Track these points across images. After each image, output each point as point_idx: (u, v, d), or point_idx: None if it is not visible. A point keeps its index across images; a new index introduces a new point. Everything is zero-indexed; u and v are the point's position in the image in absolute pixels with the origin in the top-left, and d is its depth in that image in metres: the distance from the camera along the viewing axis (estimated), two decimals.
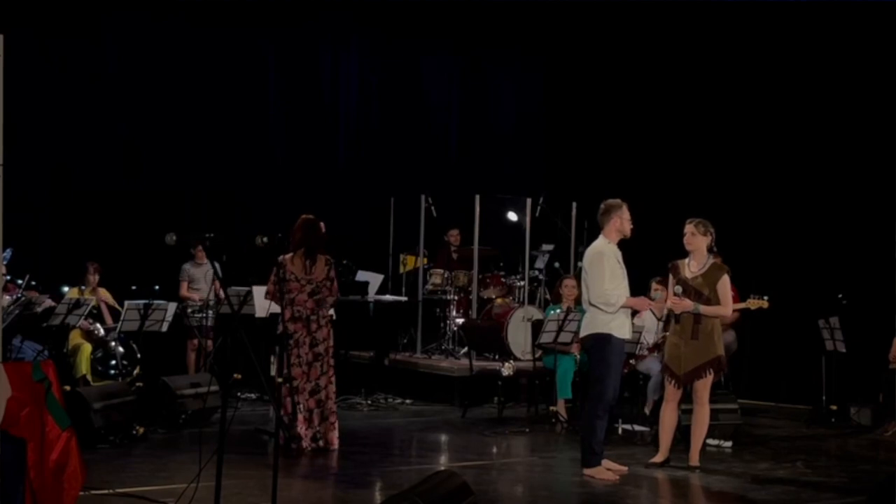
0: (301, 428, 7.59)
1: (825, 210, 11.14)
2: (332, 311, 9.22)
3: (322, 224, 7.84)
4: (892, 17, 10.31)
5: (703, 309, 7.21)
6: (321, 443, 7.66)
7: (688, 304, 7.24)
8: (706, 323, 7.24)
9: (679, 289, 7.31)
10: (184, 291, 10.67)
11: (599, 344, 7.04)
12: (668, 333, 7.63)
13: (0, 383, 4.56)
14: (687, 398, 7.52)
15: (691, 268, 7.38)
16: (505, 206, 12.64)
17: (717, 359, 7.29)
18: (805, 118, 11.36)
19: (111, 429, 7.79)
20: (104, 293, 10.20)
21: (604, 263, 7.02)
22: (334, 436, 7.75)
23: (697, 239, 7.36)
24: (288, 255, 7.65)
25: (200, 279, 10.76)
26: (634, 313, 7.90)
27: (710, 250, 7.41)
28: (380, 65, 13.41)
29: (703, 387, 7.32)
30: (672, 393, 7.42)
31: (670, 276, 7.45)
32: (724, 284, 7.30)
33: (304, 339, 7.67)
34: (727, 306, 7.32)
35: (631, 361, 8.87)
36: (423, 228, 12.01)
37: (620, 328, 7.07)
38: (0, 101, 4.50)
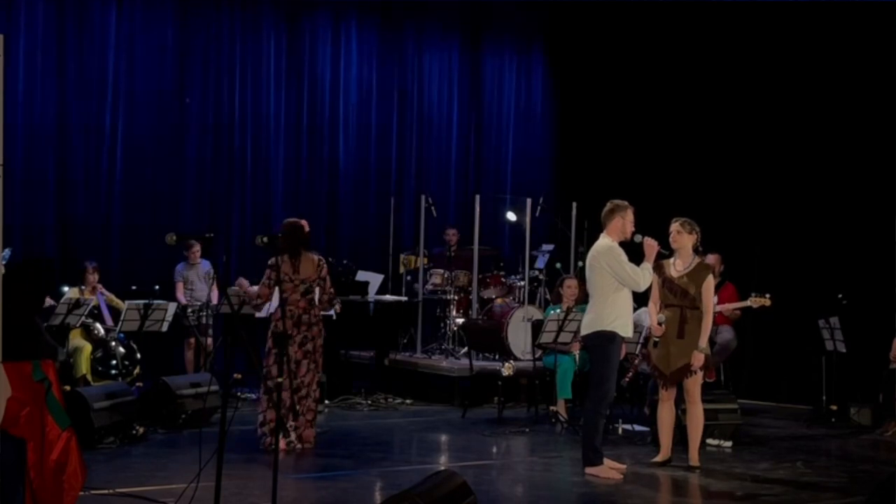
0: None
1: (825, 210, 11.13)
2: (333, 311, 9.22)
3: (304, 223, 7.83)
4: (892, 17, 10.30)
5: (702, 346, 7.20)
6: (296, 441, 7.63)
7: (698, 359, 7.21)
8: (692, 322, 7.26)
9: (662, 317, 7.28)
10: (180, 293, 10.66)
11: (603, 342, 7.04)
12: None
13: (0, 383, 4.57)
14: (682, 397, 7.52)
15: (676, 266, 7.37)
16: (505, 206, 12.64)
17: (704, 357, 7.30)
18: (806, 118, 11.35)
19: (111, 429, 7.78)
20: (108, 295, 10.19)
21: (618, 254, 7.02)
22: (310, 433, 7.74)
23: (683, 237, 7.35)
24: (280, 258, 7.71)
25: (195, 279, 10.74)
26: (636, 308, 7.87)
27: (695, 250, 7.41)
28: (380, 64, 13.40)
29: (694, 385, 7.33)
30: (666, 392, 7.43)
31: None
32: (709, 286, 7.30)
33: (295, 337, 7.67)
34: (708, 313, 7.30)
35: (635, 362, 8.85)
36: (423, 228, 12.00)
37: (624, 327, 7.08)
38: (0, 101, 4.50)
